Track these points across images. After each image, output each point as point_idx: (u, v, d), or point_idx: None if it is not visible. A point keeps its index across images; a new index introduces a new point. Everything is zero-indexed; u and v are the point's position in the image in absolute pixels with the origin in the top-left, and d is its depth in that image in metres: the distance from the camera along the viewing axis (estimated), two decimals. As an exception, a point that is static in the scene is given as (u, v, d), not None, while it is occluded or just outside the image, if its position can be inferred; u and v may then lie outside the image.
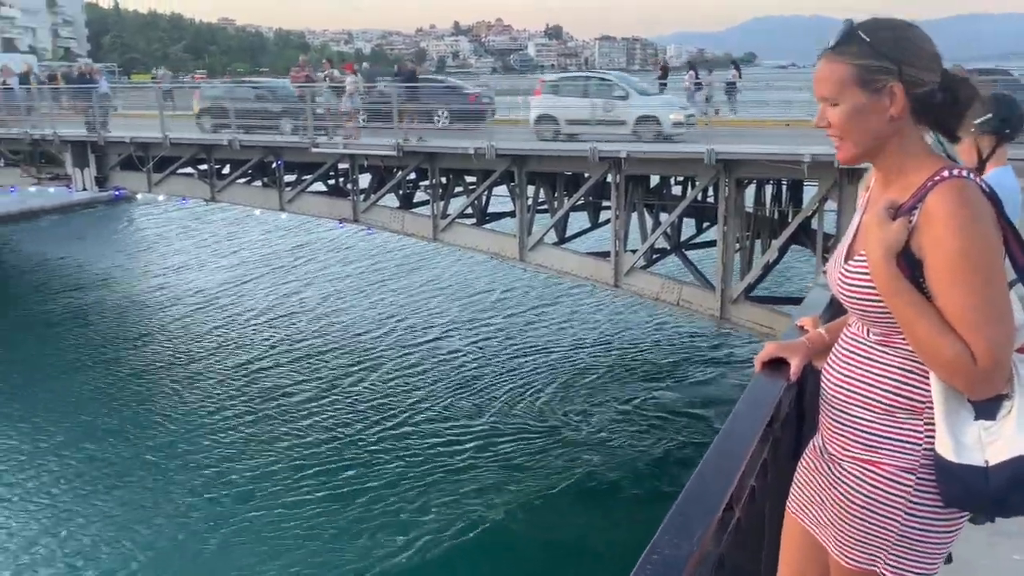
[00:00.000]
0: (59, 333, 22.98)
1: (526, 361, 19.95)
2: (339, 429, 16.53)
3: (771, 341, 2.09)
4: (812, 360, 2.11)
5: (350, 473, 14.78)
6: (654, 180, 18.51)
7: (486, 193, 19.17)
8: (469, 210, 19.12)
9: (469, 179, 19.57)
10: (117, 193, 28.18)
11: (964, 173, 1.65)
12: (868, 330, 1.81)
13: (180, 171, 21.92)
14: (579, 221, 20.20)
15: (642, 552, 1.25)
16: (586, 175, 17.28)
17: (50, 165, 24.11)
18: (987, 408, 1.64)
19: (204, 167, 21.58)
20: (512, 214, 18.35)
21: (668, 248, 18.09)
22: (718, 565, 1.51)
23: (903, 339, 1.72)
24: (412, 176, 19.69)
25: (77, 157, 22.77)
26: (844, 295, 1.80)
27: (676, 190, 18.83)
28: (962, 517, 1.79)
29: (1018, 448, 1.60)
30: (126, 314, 24.88)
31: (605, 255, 17.07)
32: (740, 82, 25.38)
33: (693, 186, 16.92)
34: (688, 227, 19.25)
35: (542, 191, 18.64)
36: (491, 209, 20.46)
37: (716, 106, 23.94)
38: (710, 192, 16.56)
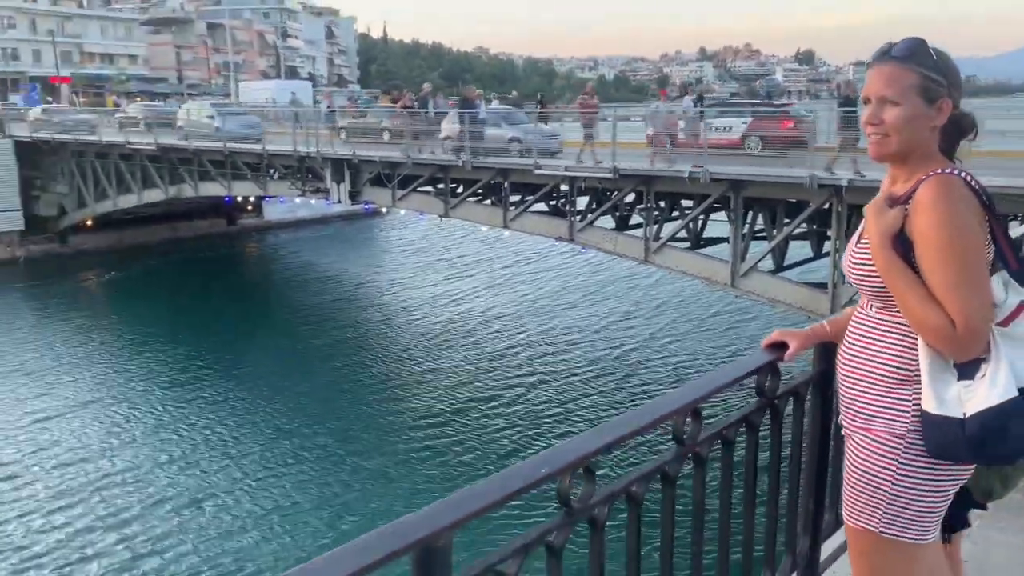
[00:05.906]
0: (321, 328, 26.35)
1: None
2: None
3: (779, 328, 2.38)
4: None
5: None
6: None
7: (702, 218, 19.21)
8: (683, 234, 19.25)
9: (686, 203, 19.69)
10: (367, 207, 31.08)
11: (953, 170, 1.91)
12: (871, 305, 2.05)
13: (419, 189, 23.90)
14: (801, 250, 19.58)
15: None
16: (810, 203, 16.83)
17: (313, 180, 27.16)
18: (967, 370, 1.88)
19: (441, 186, 23.40)
20: (727, 239, 18.24)
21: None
22: (663, 478, 1.88)
23: (899, 312, 1.97)
24: (630, 199, 20.15)
25: (336, 173, 25.47)
26: (851, 273, 2.08)
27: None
28: (950, 481, 1.98)
29: (988, 401, 1.83)
30: (383, 315, 27.66)
31: (823, 287, 16.52)
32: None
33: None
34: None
35: (760, 218, 18.38)
36: (707, 234, 20.38)
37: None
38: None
